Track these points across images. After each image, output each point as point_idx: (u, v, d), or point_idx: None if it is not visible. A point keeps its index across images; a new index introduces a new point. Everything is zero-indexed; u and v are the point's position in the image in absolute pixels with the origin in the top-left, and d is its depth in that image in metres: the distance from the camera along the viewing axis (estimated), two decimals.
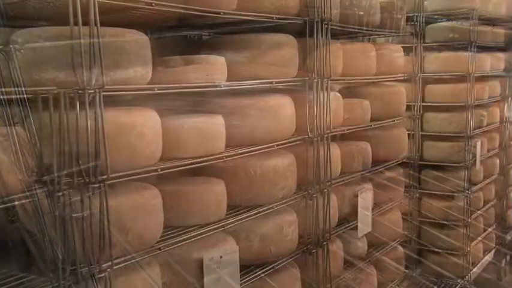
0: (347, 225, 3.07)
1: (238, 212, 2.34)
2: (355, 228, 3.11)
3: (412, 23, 3.69)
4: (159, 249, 1.94)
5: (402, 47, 3.64)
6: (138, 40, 1.85)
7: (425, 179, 4.98)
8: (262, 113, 2.37)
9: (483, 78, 5.24)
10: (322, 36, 2.63)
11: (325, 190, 2.72)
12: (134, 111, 1.90)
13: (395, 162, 3.51)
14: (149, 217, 1.91)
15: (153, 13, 1.92)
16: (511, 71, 5.55)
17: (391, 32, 3.41)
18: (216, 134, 2.17)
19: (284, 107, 2.45)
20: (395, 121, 3.45)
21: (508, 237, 5.85)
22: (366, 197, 3.15)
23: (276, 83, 2.41)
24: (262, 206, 2.41)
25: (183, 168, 2.03)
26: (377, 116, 3.37)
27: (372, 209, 3.34)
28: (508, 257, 5.61)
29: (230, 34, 2.47)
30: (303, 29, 2.56)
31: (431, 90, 4.93)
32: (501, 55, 5.42)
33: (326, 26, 2.63)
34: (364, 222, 3.14)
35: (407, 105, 3.82)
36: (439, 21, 5.09)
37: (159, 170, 1.91)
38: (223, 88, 2.12)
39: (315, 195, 2.65)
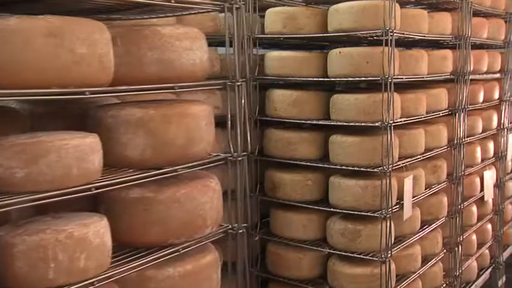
0: None
1: None
2: None
3: None
4: None
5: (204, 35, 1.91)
6: None
7: (331, 233, 3.26)
8: None
9: (420, 86, 3.54)
10: None
11: None
12: None
13: (186, 245, 1.78)
14: None
15: None
16: (465, 74, 3.79)
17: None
18: None
19: None
20: (178, 171, 1.71)
21: None
22: None
23: None
24: None
25: None
26: (144, 162, 1.65)
27: None
28: None
29: None
30: None
31: (337, 102, 3.20)
32: (448, 53, 3.68)
33: None
34: None
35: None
36: None
37: None
38: None
39: None
